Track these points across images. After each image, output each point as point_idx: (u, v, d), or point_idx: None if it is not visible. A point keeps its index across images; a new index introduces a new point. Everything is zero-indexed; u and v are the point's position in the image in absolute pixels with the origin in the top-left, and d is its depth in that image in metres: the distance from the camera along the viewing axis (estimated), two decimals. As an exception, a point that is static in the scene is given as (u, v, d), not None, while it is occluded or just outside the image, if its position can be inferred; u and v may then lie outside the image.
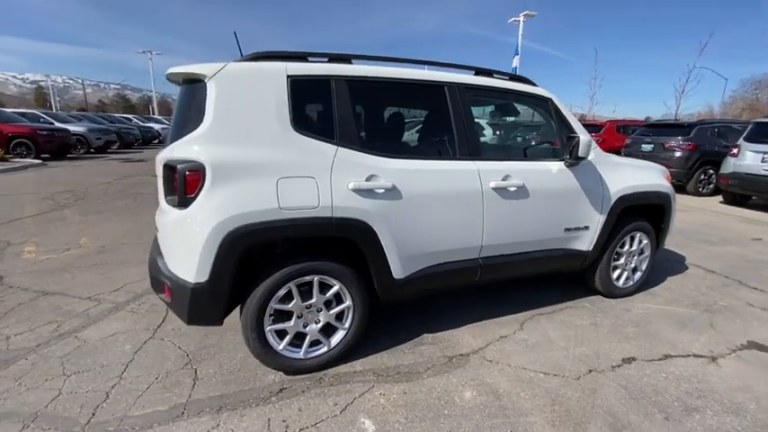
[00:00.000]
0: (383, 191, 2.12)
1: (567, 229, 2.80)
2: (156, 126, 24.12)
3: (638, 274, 3.33)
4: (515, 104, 2.75)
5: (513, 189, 2.48)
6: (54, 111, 25.60)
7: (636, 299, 3.28)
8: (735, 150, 7.15)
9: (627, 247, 3.18)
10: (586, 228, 2.87)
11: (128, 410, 1.87)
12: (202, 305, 1.92)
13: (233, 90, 1.92)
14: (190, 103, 2.01)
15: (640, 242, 3.24)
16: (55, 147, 12.93)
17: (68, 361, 2.27)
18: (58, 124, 14.50)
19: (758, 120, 7.63)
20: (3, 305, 2.93)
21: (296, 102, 2.01)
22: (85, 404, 1.91)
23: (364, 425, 1.84)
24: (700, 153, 8.21)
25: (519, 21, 21.21)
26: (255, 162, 1.92)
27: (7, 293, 3.14)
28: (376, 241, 2.13)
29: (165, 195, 1.99)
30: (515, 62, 21.04)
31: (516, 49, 21.28)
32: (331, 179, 2.02)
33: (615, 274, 3.19)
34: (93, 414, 1.85)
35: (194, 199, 1.85)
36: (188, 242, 1.87)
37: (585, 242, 2.91)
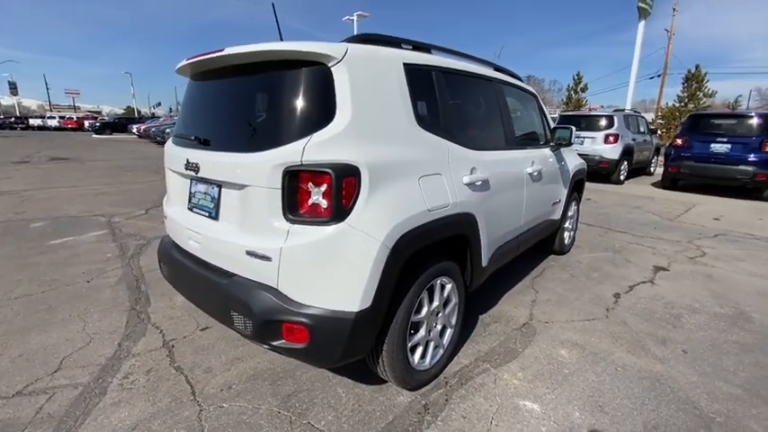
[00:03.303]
0: (480, 183, 2.16)
1: (554, 203, 3.41)
2: None
3: (574, 232, 4.30)
4: (521, 99, 3.14)
5: (536, 173, 2.87)
6: None
7: (576, 253, 4.24)
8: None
9: (571, 213, 4.06)
10: (559, 201, 3.54)
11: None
12: (361, 336, 1.59)
13: (363, 77, 1.60)
14: (292, 92, 1.56)
15: (576, 208, 4.18)
16: None
17: None
18: None
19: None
20: None
21: (412, 93, 1.82)
22: None
23: (527, 406, 1.91)
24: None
25: (352, 20, 22.36)
26: (399, 160, 1.68)
27: None
28: (477, 232, 2.16)
29: (287, 212, 1.52)
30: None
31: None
32: (451, 175, 1.94)
33: (566, 235, 4.04)
34: None
35: (351, 210, 1.49)
36: (349, 263, 1.50)
37: (558, 212, 3.59)
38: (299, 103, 1.55)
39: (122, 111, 78.15)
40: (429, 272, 1.86)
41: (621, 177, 9.21)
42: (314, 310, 1.52)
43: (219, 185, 1.77)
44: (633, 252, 4.27)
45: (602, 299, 3.10)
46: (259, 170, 1.53)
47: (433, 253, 1.90)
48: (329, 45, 1.56)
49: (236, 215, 1.68)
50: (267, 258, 1.54)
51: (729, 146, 7.35)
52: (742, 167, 7.18)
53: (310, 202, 1.50)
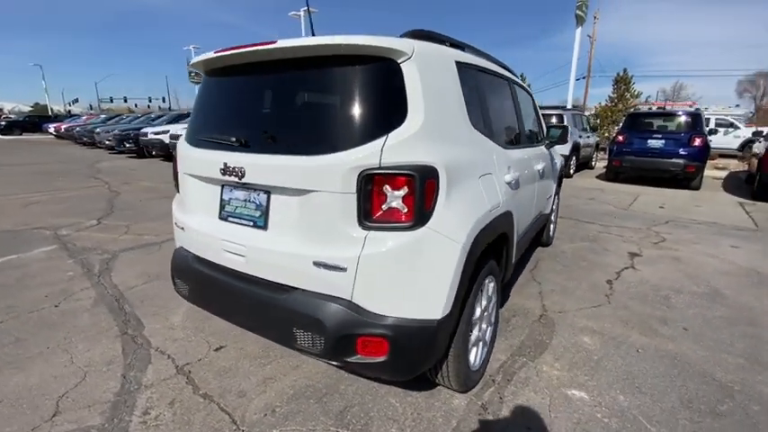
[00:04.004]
0: (515, 181, 2.19)
1: (548, 197, 3.57)
2: None
3: (555, 224, 4.55)
4: (525, 98, 3.22)
5: (541, 170, 2.99)
6: None
7: (559, 244, 4.48)
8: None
9: (554, 206, 4.29)
10: (551, 196, 3.73)
11: None
12: (440, 344, 1.53)
13: (430, 74, 1.53)
14: (361, 89, 1.45)
15: (558, 202, 4.43)
16: None
17: None
18: None
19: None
20: None
21: (463, 92, 1.79)
22: None
23: (576, 395, 1.98)
24: None
25: (299, 15, 21.73)
26: (464, 160, 1.64)
27: None
28: (513, 230, 2.20)
29: (362, 218, 1.41)
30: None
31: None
32: (497, 174, 1.94)
33: (551, 227, 4.26)
34: None
35: (432, 213, 1.43)
36: (433, 269, 1.43)
37: (549, 206, 3.77)
38: (370, 101, 1.44)
39: (29, 108, 69.06)
40: (483, 271, 1.85)
41: (571, 171, 9.94)
42: (394, 321, 1.44)
43: (268, 191, 1.61)
44: (606, 241, 4.62)
45: (599, 286, 3.31)
46: (329, 174, 1.40)
47: (487, 253, 1.89)
48: (399, 40, 1.47)
49: (295, 223, 1.54)
50: (341, 269, 1.42)
51: (663, 141, 8.25)
52: (674, 160, 8.09)
53: (388, 206, 1.41)
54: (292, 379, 2.08)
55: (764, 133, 8.68)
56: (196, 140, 1.86)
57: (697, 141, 7.97)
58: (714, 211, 6.39)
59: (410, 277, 1.43)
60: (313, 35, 1.80)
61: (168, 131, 11.46)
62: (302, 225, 1.52)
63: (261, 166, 1.56)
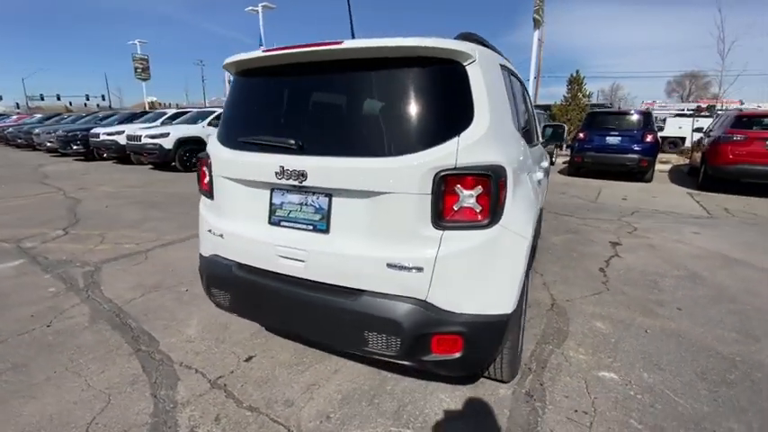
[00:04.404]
0: (540, 180, 2.31)
1: (545, 193, 3.76)
2: None
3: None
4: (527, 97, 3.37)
5: (546, 167, 3.16)
6: None
7: (547, 236, 4.72)
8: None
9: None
10: (545, 191, 3.93)
11: None
12: (508, 336, 1.59)
13: (489, 77, 1.58)
14: (431, 91, 1.47)
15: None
16: None
17: None
18: None
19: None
20: None
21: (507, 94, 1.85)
22: None
23: (606, 377, 2.12)
24: None
25: (257, 11, 21.04)
26: (520, 160, 1.71)
27: None
28: (540, 226, 2.31)
29: (437, 218, 1.42)
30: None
31: (260, 40, 21.17)
32: (535, 172, 2.04)
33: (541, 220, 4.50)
34: None
35: (503, 211, 1.47)
36: (505, 265, 1.49)
37: (543, 201, 3.98)
38: (439, 103, 1.47)
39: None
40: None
41: (537, 167, 10.49)
42: (469, 318, 1.48)
43: (329, 194, 1.58)
44: (588, 232, 4.94)
45: (594, 275, 3.55)
46: (405, 176, 1.41)
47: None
48: (464, 43, 1.50)
49: (362, 226, 1.52)
50: (418, 269, 1.44)
51: (620, 138, 8.92)
52: (630, 155, 8.78)
53: (460, 206, 1.44)
54: (336, 383, 2.05)
55: (704, 129, 9.66)
56: (237, 143, 1.77)
57: (649, 138, 8.71)
58: (669, 201, 7.02)
59: (486, 274, 1.48)
60: (353, 37, 1.79)
61: (123, 132, 10.65)
62: (371, 227, 1.51)
63: (323, 169, 1.52)
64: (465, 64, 1.49)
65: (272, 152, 1.63)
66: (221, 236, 1.86)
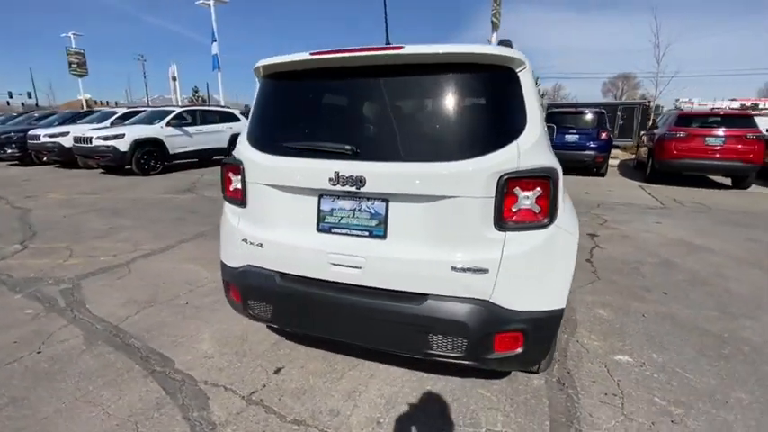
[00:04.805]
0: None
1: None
2: None
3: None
4: None
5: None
6: None
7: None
8: None
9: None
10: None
11: None
12: (558, 330, 1.67)
13: (533, 84, 1.64)
14: (490, 96, 1.52)
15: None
16: None
17: None
18: None
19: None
20: None
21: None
22: None
23: (622, 359, 2.29)
24: None
25: (209, 4, 20.02)
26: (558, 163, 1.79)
27: None
28: None
29: (499, 220, 1.46)
30: (215, 49, 20.24)
31: (213, 35, 20.21)
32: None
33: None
34: None
35: (557, 212, 1.55)
36: (561, 263, 1.57)
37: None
38: (498, 108, 1.51)
39: None
40: None
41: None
42: (529, 315, 1.54)
43: (385, 200, 1.57)
44: (565, 225, 5.26)
45: (583, 265, 3.79)
46: (469, 179, 1.44)
47: None
48: (516, 51, 1.55)
49: (422, 230, 1.53)
50: (483, 271, 1.47)
51: (578, 136, 9.55)
52: (587, 152, 9.42)
53: (519, 207, 1.49)
54: (376, 388, 2.04)
55: (648, 126, 10.61)
56: (280, 148, 1.70)
57: (603, 135, 9.41)
58: (625, 193, 7.64)
59: (544, 272, 1.55)
60: (387, 42, 1.79)
61: (68, 133, 9.71)
62: (432, 231, 1.52)
63: (383, 175, 1.51)
64: (518, 71, 1.55)
65: (324, 158, 1.59)
66: (260, 245, 1.78)
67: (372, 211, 1.59)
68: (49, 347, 2.39)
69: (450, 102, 1.52)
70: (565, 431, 1.76)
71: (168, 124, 9.47)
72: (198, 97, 39.64)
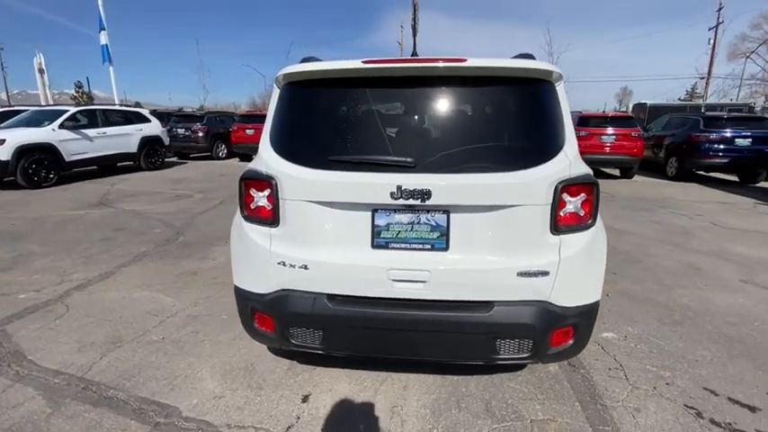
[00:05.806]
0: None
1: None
2: None
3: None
4: None
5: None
6: None
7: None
8: None
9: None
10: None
11: None
12: None
13: (566, 96, 1.78)
14: (539, 108, 1.61)
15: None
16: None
17: None
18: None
19: None
20: None
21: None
22: None
23: (608, 336, 2.62)
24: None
25: None
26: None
27: None
28: None
29: (554, 225, 1.57)
30: (104, 39, 17.67)
31: (101, 22, 17.57)
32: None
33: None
34: None
35: (597, 214, 1.71)
36: (600, 258, 1.73)
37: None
38: (546, 119, 1.61)
39: None
40: None
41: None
42: (578, 310, 1.68)
43: (446, 211, 1.57)
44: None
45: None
46: (531, 188, 1.52)
47: None
48: (545, 63, 1.66)
49: (485, 239, 1.57)
50: (545, 273, 1.57)
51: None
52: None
53: (567, 212, 1.62)
54: (415, 399, 2.04)
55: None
56: (325, 162, 1.58)
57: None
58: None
59: (589, 269, 1.71)
60: (415, 53, 1.80)
61: (4, 140, 7.18)
62: (496, 239, 1.57)
63: (447, 187, 1.51)
64: (556, 84, 1.67)
65: (382, 171, 1.53)
66: (305, 267, 1.63)
67: (433, 224, 1.58)
68: (5, 417, 1.89)
69: (505, 113, 1.58)
70: (594, 407, 1.97)
71: (62, 126, 7.98)
72: (82, 94, 34.03)
